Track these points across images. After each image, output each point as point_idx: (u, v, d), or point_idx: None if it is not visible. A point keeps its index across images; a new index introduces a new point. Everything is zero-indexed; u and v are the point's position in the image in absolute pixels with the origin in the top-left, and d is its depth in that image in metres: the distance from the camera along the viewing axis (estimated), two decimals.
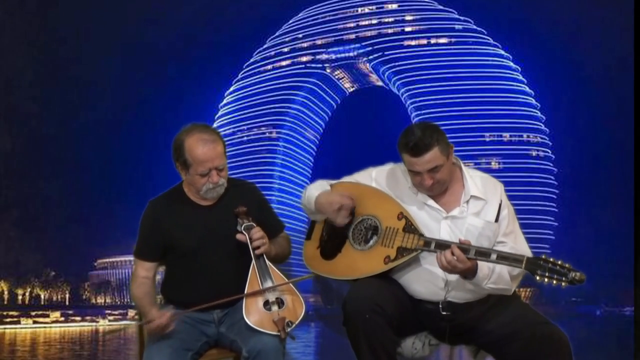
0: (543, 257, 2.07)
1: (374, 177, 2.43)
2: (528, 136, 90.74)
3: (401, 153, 2.26)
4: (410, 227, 2.25)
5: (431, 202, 2.30)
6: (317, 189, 2.42)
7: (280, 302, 2.26)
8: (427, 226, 2.27)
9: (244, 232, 2.34)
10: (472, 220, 2.27)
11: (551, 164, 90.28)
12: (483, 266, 2.17)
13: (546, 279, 2.02)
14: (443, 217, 2.29)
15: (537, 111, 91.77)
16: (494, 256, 2.10)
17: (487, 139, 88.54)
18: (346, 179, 2.50)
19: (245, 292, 2.28)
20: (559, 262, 2.03)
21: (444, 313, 2.27)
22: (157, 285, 2.55)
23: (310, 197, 2.41)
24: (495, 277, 2.20)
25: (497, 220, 2.29)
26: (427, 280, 2.27)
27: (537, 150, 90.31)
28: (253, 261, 2.31)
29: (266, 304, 2.26)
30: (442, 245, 2.18)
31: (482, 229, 2.26)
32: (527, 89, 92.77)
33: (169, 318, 2.24)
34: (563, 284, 2.01)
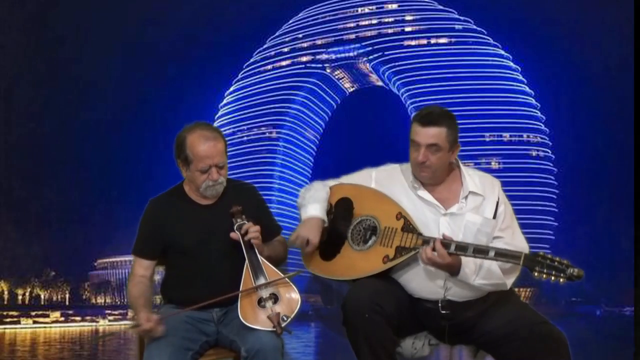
0: (541, 253, 2.08)
1: (374, 177, 2.45)
2: (528, 136, 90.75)
3: (412, 123, 2.31)
4: (408, 227, 2.26)
5: (430, 198, 2.32)
6: (318, 202, 2.42)
7: (274, 298, 2.26)
8: (426, 224, 2.29)
9: (236, 231, 2.34)
10: (470, 216, 2.28)
11: (551, 164, 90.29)
12: (469, 262, 2.19)
13: (544, 275, 2.03)
14: (442, 214, 2.30)
15: (537, 111, 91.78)
16: (492, 253, 2.12)
17: (487, 139, 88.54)
18: (345, 179, 2.51)
19: (240, 290, 2.28)
20: (557, 259, 2.04)
21: (444, 312, 2.27)
22: (157, 286, 2.56)
23: (307, 208, 2.42)
24: (485, 272, 2.22)
25: (494, 217, 2.31)
26: (426, 279, 2.28)
27: (537, 150, 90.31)
28: (246, 260, 2.31)
29: (260, 301, 2.25)
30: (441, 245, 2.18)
31: (481, 226, 2.27)
32: (527, 89, 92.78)
33: (156, 322, 2.24)
34: (561, 280, 2.02)
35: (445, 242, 2.15)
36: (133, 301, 2.35)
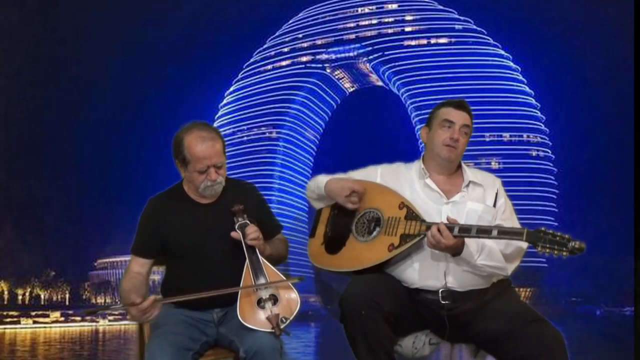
0: (543, 228, 2.12)
1: (380, 172, 2.50)
2: (528, 136, 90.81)
3: (440, 108, 2.44)
4: (412, 215, 2.29)
5: (435, 187, 2.37)
6: (326, 177, 2.50)
7: (274, 299, 2.25)
8: (429, 212, 2.33)
9: (238, 230, 2.34)
10: (472, 204, 2.34)
11: (551, 164, 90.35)
12: (471, 242, 2.23)
13: (547, 250, 2.07)
14: (444, 203, 2.35)
15: (537, 111, 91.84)
16: (494, 232, 2.16)
17: (487, 139, 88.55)
18: (352, 173, 2.54)
19: (239, 291, 2.28)
20: (559, 233, 2.08)
21: (444, 302, 2.29)
22: (156, 285, 2.55)
23: (320, 183, 2.49)
24: (487, 253, 2.27)
25: (494, 207, 2.38)
26: (428, 266, 2.31)
27: (537, 150, 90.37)
28: (246, 259, 2.31)
29: (260, 302, 2.25)
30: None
31: (482, 213, 2.33)
32: (527, 89, 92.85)
33: (150, 303, 2.19)
34: (564, 253, 2.06)
35: (450, 225, 2.19)
36: (124, 295, 2.32)
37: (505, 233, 2.16)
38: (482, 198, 2.37)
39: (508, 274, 2.34)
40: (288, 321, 2.22)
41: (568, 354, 2.20)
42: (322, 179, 2.49)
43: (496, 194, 2.39)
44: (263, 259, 2.33)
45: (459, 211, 2.32)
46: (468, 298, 2.30)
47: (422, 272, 2.31)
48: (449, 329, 2.32)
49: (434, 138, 2.39)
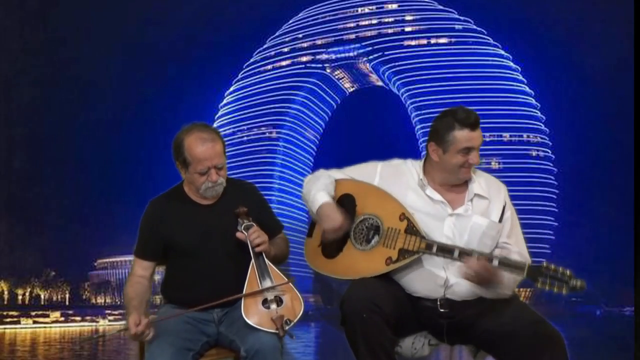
0: (544, 264, 2.08)
1: (379, 171, 2.43)
2: (528, 136, 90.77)
3: (455, 129, 2.25)
4: (412, 229, 2.24)
5: (438, 197, 2.31)
6: (322, 189, 2.39)
7: (279, 301, 2.26)
8: (431, 223, 2.28)
9: (243, 231, 2.34)
10: (477, 219, 2.28)
11: (551, 164, 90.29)
12: (504, 275, 2.18)
13: (547, 286, 2.05)
14: (448, 214, 2.29)
15: (537, 111, 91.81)
16: (495, 262, 2.12)
17: (487, 139, 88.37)
18: (349, 170, 2.50)
19: (244, 291, 2.28)
20: (560, 269, 2.05)
21: (442, 310, 2.27)
22: (157, 285, 2.56)
23: (314, 201, 2.38)
24: (511, 282, 2.23)
25: (500, 220, 2.31)
26: (427, 278, 2.28)
27: (537, 150, 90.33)
28: (252, 260, 2.32)
29: (265, 302, 2.26)
30: (444, 249, 2.19)
31: (487, 229, 2.27)
32: (527, 89, 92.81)
33: (145, 326, 2.22)
34: (564, 291, 2.04)
35: (447, 247, 2.16)
36: (127, 302, 2.34)
37: (506, 265, 2.12)
38: (486, 212, 2.30)
39: (508, 296, 2.30)
40: (292, 323, 2.23)
41: (568, 355, 2.20)
42: (318, 199, 2.36)
43: (504, 206, 2.33)
44: (269, 261, 2.34)
45: (463, 225, 2.27)
46: (467, 306, 2.28)
47: (420, 285, 2.29)
48: (449, 333, 2.30)
49: (451, 161, 2.27)
